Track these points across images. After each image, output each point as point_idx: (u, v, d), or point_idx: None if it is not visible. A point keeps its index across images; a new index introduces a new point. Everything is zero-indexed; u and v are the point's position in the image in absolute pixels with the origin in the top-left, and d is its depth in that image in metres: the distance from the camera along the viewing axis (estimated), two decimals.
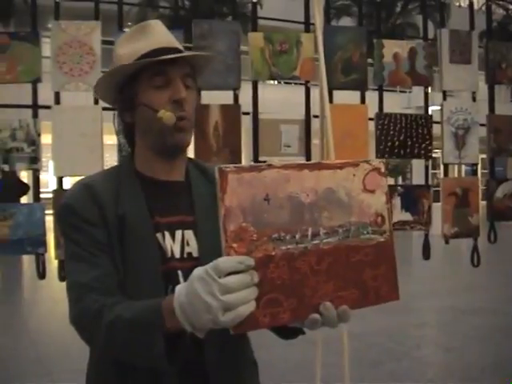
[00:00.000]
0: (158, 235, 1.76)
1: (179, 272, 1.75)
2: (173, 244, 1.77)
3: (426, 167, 5.15)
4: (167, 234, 1.78)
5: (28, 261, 11.49)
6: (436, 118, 5.06)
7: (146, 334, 1.49)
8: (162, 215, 1.78)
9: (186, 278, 1.70)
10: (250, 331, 1.39)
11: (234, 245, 1.33)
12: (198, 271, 1.35)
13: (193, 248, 1.79)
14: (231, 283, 1.30)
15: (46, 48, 4.37)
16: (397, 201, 4.92)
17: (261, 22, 4.91)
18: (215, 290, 1.30)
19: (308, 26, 4.80)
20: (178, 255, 1.77)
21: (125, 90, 1.82)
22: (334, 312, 1.43)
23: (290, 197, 1.40)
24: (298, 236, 1.40)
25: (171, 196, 1.83)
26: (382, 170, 1.54)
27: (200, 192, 1.86)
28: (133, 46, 1.80)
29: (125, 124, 1.88)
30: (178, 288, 1.41)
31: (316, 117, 4.37)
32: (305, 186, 1.42)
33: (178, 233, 1.79)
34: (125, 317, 1.53)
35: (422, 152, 4.96)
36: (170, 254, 1.76)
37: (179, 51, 1.80)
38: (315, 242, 1.42)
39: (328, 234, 1.44)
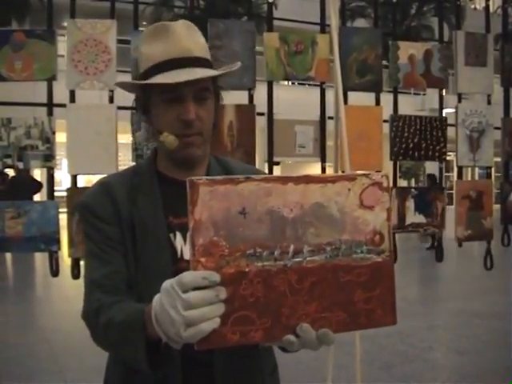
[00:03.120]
0: (171, 235, 1.78)
1: None
2: (184, 245, 1.78)
3: (440, 170, 5.14)
4: (179, 234, 1.78)
5: (41, 258, 11.53)
6: (450, 120, 5.04)
7: (130, 338, 1.49)
8: (176, 216, 1.78)
9: None
10: (216, 348, 1.33)
11: (202, 259, 1.28)
12: (166, 284, 1.33)
13: None
14: (193, 299, 1.27)
15: (62, 46, 4.39)
16: (410, 203, 4.91)
17: (276, 22, 4.90)
18: (178, 304, 1.27)
19: (323, 26, 4.79)
20: (187, 257, 1.74)
21: (139, 98, 1.84)
22: (313, 334, 1.35)
23: (271, 211, 1.33)
24: (277, 253, 1.32)
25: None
26: (384, 184, 1.43)
27: None
28: (152, 48, 1.76)
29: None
30: (155, 297, 1.38)
31: (331, 118, 4.37)
32: (288, 199, 1.34)
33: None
34: (115, 319, 1.55)
35: (436, 154, 4.95)
36: (179, 255, 1.77)
37: (197, 60, 1.75)
38: (297, 259, 1.34)
39: (313, 252, 1.35)
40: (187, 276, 1.28)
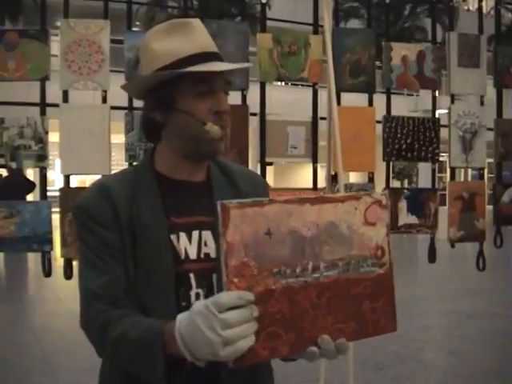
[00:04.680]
0: (173, 236, 1.75)
1: (191, 275, 1.74)
2: (188, 245, 1.76)
3: (433, 170, 5.15)
4: (183, 234, 1.76)
5: (34, 258, 11.52)
6: (443, 121, 5.05)
7: (147, 356, 1.51)
8: (179, 215, 1.76)
9: (200, 280, 1.74)
10: (249, 364, 1.38)
11: (235, 280, 1.34)
12: (199, 306, 1.36)
13: (211, 249, 1.78)
14: (231, 319, 1.31)
15: (55, 46, 4.38)
16: (403, 204, 4.91)
17: (269, 23, 4.89)
18: (215, 325, 1.31)
19: (316, 27, 4.79)
20: (193, 256, 1.76)
21: (160, 91, 1.76)
22: (332, 345, 1.44)
23: (292, 231, 1.41)
24: (298, 270, 1.41)
25: (190, 196, 1.81)
26: (384, 202, 1.55)
27: (221, 193, 1.83)
28: (171, 43, 1.74)
29: (150, 121, 1.82)
30: (178, 317, 1.43)
31: (323, 119, 4.37)
32: (306, 220, 1.43)
33: (195, 233, 1.77)
34: (129, 336, 1.54)
35: (429, 155, 4.96)
36: (183, 256, 1.74)
37: (219, 56, 1.77)
38: (315, 275, 1.43)
39: (328, 268, 1.45)
40: (224, 297, 1.33)
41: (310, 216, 1.43)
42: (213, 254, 1.77)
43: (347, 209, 1.48)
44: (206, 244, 1.78)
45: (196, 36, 1.76)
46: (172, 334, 1.42)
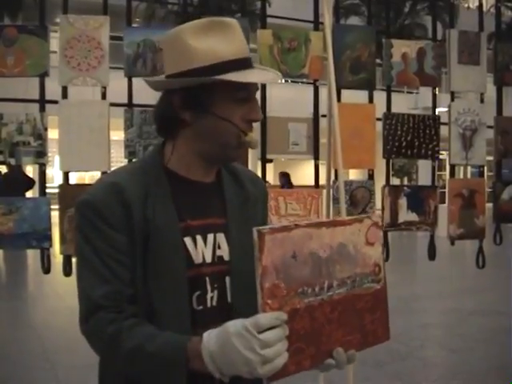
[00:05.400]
0: (188, 239, 1.71)
1: (207, 278, 1.73)
2: (204, 248, 1.74)
3: (433, 168, 5.14)
4: (199, 237, 1.73)
5: (33, 255, 11.51)
6: (443, 119, 5.04)
7: (168, 371, 1.53)
8: (194, 217, 1.74)
9: (213, 283, 1.74)
10: (280, 379, 1.45)
11: (269, 301, 1.42)
12: (235, 327, 1.41)
13: (224, 251, 1.77)
14: (269, 338, 1.38)
15: (54, 43, 4.37)
16: (403, 201, 4.91)
17: (269, 20, 4.89)
18: (255, 345, 1.37)
19: (317, 24, 4.78)
20: (209, 259, 1.74)
21: (196, 92, 1.69)
22: (345, 356, 1.56)
23: (312, 253, 1.51)
24: (317, 289, 1.52)
25: (203, 197, 1.78)
26: (379, 223, 1.69)
27: (231, 194, 1.83)
28: (210, 43, 1.68)
29: (173, 118, 1.74)
30: (206, 336, 1.47)
31: (324, 116, 4.36)
32: (323, 242, 1.54)
33: (210, 236, 1.75)
34: (147, 349, 1.54)
35: (429, 153, 4.95)
36: (201, 260, 1.72)
37: (251, 62, 1.75)
38: (330, 293, 1.54)
39: (339, 286, 1.57)
40: (262, 318, 1.39)
41: (326, 238, 1.54)
42: (226, 257, 1.76)
43: (353, 231, 1.61)
44: (219, 247, 1.77)
45: (236, 39, 1.72)
46: (196, 350, 1.46)
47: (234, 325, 1.41)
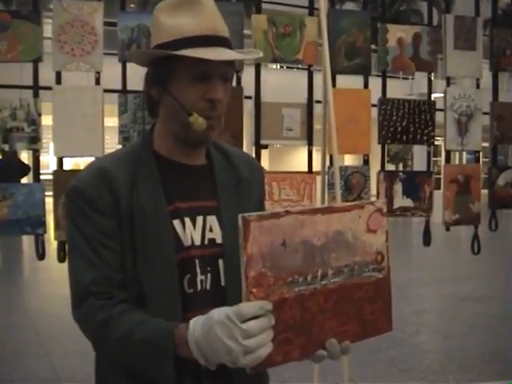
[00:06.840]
0: (176, 222, 1.69)
1: (196, 261, 1.71)
2: (193, 231, 1.71)
3: (428, 153, 5.13)
4: (188, 220, 1.71)
5: (27, 241, 11.50)
6: (439, 105, 5.03)
7: (156, 357, 1.52)
8: (183, 200, 1.72)
9: (204, 266, 1.71)
10: (264, 369, 1.47)
11: (254, 290, 1.39)
12: (219, 316, 1.39)
13: (216, 234, 1.74)
14: (252, 328, 1.36)
15: (48, 28, 4.34)
16: (398, 187, 4.90)
17: (264, 5, 4.85)
18: (237, 334, 1.35)
19: (312, 9, 4.76)
20: (198, 242, 1.72)
21: (159, 67, 1.68)
22: (339, 347, 1.52)
23: (304, 241, 1.46)
24: (309, 278, 1.47)
25: (192, 180, 1.76)
26: (384, 210, 1.62)
27: (223, 177, 1.80)
28: (179, 20, 1.65)
29: (149, 96, 1.75)
30: (192, 323, 1.46)
31: (318, 102, 4.34)
32: (317, 229, 1.49)
33: (199, 219, 1.73)
34: (136, 336, 1.54)
35: (425, 138, 4.94)
36: (189, 242, 1.70)
37: (226, 42, 1.69)
38: (324, 282, 1.50)
39: (335, 274, 1.52)
40: (245, 307, 1.37)
41: (321, 225, 1.49)
42: (219, 240, 1.74)
43: (352, 217, 1.55)
44: (211, 229, 1.74)
45: (205, 16, 1.66)
46: (183, 337, 1.46)
47: (217, 313, 1.40)
